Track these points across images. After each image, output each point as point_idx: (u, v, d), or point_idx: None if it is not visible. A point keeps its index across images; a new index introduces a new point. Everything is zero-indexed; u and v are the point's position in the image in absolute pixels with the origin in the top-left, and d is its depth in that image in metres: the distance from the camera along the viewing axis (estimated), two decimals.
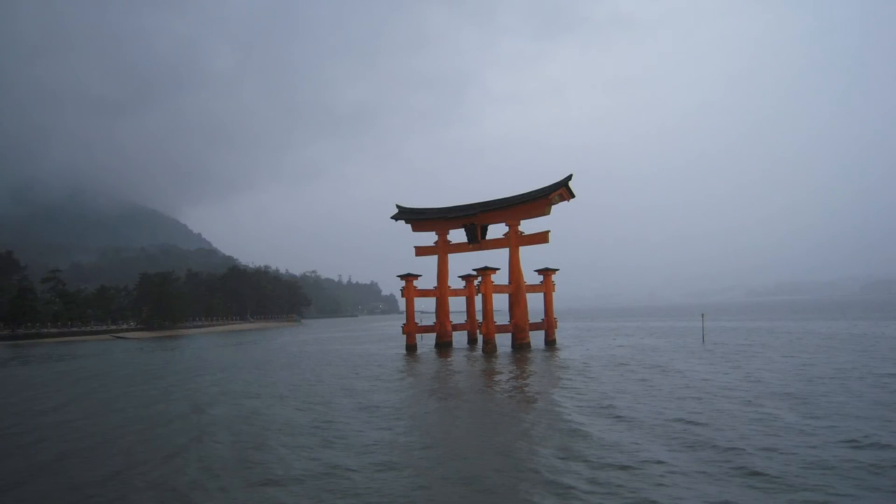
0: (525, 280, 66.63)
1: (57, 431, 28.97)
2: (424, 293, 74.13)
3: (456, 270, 75.81)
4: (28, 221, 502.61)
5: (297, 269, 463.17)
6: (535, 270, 71.13)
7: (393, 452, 21.98)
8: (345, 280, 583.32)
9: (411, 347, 71.07)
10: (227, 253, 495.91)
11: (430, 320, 79.89)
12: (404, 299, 74.38)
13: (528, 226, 66.08)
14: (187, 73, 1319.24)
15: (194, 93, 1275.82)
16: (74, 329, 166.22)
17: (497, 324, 63.92)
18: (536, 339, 70.21)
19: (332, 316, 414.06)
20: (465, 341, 78.20)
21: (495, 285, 63.64)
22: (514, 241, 65.40)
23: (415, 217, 73.97)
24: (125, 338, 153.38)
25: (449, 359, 59.85)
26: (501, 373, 46.21)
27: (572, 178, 62.05)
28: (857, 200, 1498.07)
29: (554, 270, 71.24)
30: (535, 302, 70.39)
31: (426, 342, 78.61)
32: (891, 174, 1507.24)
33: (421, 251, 74.80)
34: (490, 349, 62.36)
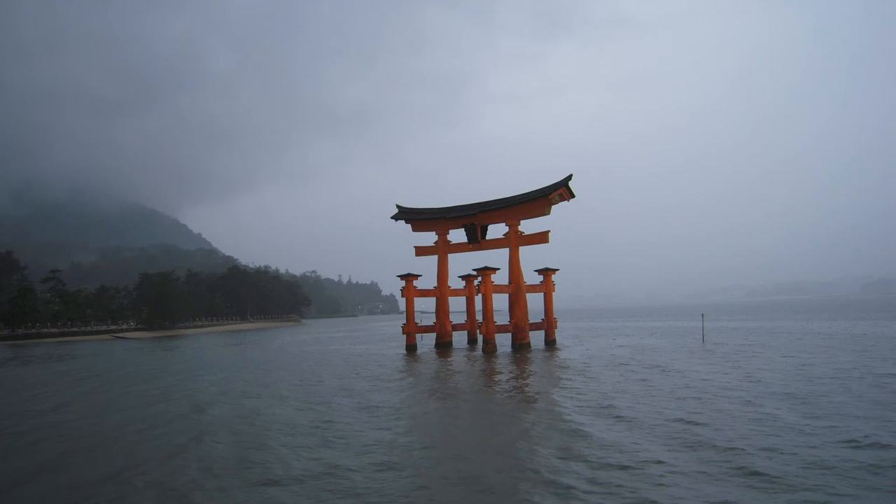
0: (525, 280, 66.64)
1: (57, 431, 28.97)
2: (424, 293, 74.15)
3: (456, 270, 75.99)
4: (28, 221, 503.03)
5: (297, 269, 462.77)
6: (535, 270, 71.14)
7: (393, 452, 21.97)
8: (345, 280, 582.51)
9: (411, 347, 71.05)
10: (227, 253, 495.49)
11: (430, 320, 79.89)
12: (404, 299, 74.42)
13: (528, 226, 66.24)
14: (187, 73, 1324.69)
15: (194, 93, 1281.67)
16: (74, 329, 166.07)
17: (497, 324, 63.97)
18: (536, 339, 70.20)
19: (333, 316, 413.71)
20: (465, 341, 78.17)
21: (495, 285, 63.69)
22: (514, 241, 65.38)
23: (415, 217, 73.96)
24: (125, 338, 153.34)
25: (449, 359, 59.86)
26: (501, 373, 46.21)
27: (572, 178, 62.07)
28: (857, 201, 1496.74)
29: (554, 270, 71.25)
30: (535, 302, 70.39)
31: (426, 342, 78.62)
32: (891, 174, 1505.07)
33: (421, 251, 74.84)
34: (490, 349, 62.38)
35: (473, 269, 67.04)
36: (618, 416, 26.49)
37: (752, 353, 52.57)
